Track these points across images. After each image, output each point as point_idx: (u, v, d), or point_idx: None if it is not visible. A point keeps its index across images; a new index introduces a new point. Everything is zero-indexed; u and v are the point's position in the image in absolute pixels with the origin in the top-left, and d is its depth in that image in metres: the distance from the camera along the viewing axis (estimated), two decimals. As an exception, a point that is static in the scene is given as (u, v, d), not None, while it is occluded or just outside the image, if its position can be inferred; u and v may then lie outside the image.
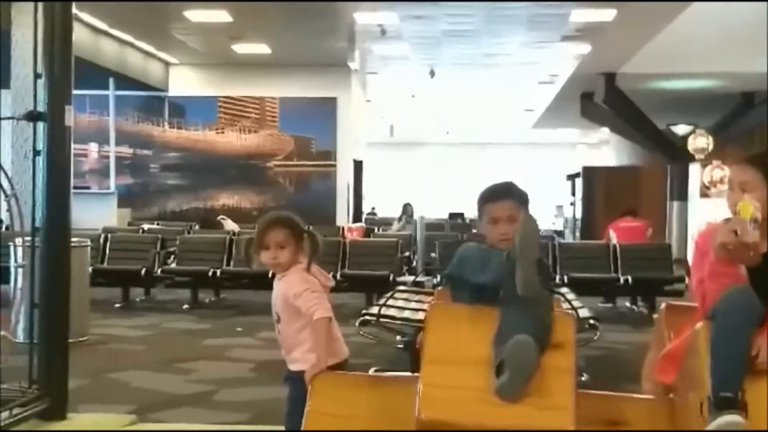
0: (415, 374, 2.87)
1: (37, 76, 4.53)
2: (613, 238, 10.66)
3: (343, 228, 13.77)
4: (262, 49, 15.04)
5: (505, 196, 2.92)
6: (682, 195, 15.26)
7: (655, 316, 8.80)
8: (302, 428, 2.79)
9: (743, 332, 2.46)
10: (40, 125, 4.51)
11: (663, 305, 3.21)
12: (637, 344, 7.31)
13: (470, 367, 2.51)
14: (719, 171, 13.21)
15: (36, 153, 4.53)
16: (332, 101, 16.59)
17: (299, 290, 3.04)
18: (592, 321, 5.63)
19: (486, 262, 2.74)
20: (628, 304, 9.88)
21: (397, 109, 23.10)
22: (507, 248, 2.80)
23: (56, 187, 4.55)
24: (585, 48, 13.74)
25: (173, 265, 10.07)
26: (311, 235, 3.17)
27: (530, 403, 2.41)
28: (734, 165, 2.74)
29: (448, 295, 2.91)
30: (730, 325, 2.46)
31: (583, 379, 3.37)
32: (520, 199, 2.94)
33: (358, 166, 18.23)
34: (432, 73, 16.39)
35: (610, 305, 9.93)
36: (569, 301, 5.18)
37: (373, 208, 23.64)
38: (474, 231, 13.25)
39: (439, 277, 2.63)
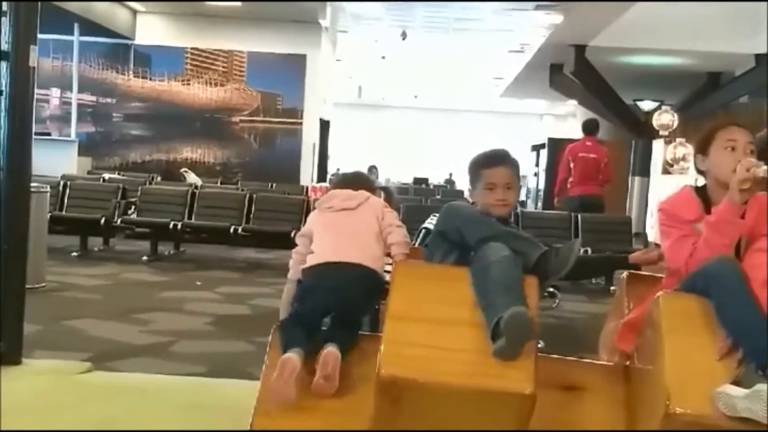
0: (374, 333, 2.88)
1: (1, 14, 4.40)
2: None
3: (307, 188, 13.71)
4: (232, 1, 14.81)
5: (503, 163, 2.95)
6: (645, 171, 15.39)
7: (612, 288, 8.93)
8: (261, 377, 2.81)
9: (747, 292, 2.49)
10: (3, 64, 4.39)
11: (624, 274, 3.25)
12: (593, 315, 7.41)
13: (434, 325, 2.52)
14: (682, 148, 13.33)
15: (-2, 93, 4.42)
16: (301, 58, 16.41)
17: None
18: (551, 289, 5.67)
19: (484, 221, 2.76)
20: (586, 275, 9.99)
21: (367, 70, 22.95)
22: (502, 214, 2.83)
23: (18, 129, 4.43)
24: (557, 18, 13.73)
25: (134, 216, 9.96)
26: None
27: (492, 364, 2.42)
28: (739, 128, 2.85)
29: (415, 253, 2.92)
30: (736, 285, 2.50)
31: (539, 346, 3.38)
32: (514, 168, 2.97)
33: (324, 125, 18.11)
34: (404, 35, 16.28)
35: (568, 275, 9.97)
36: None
37: (338, 169, 23.54)
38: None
39: (422, 234, 2.65)
